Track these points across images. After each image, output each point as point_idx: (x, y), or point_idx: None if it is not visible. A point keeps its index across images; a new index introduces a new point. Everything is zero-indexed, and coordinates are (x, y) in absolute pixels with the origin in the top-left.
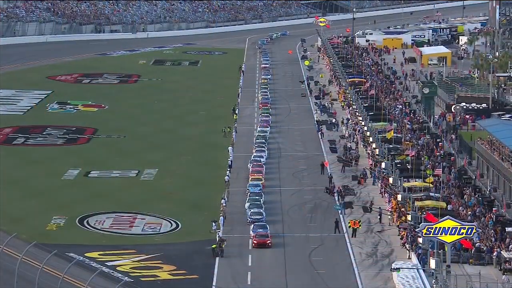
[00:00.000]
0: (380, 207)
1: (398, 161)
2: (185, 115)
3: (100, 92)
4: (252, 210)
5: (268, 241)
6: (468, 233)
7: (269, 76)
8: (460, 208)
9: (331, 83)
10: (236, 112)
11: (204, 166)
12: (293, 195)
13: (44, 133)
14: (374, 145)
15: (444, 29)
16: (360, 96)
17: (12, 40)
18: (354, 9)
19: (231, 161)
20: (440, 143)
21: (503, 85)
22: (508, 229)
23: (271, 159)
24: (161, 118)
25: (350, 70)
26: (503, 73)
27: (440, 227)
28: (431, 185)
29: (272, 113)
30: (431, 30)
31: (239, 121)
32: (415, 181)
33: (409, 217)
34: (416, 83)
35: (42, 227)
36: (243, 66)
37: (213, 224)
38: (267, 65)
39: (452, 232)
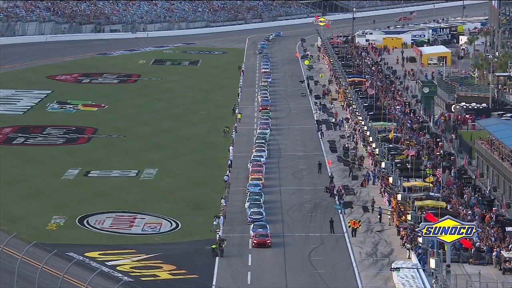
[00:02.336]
0: (380, 207)
1: (398, 160)
2: (185, 115)
3: (100, 91)
4: (252, 210)
5: (268, 241)
6: (468, 232)
7: (269, 79)
8: (460, 207)
9: (331, 83)
10: (239, 111)
11: (204, 166)
12: (293, 195)
13: (44, 132)
14: (374, 145)
15: (444, 29)
16: (360, 96)
17: (12, 40)
18: (354, 9)
19: (231, 160)
20: (440, 143)
21: (500, 85)
22: (508, 228)
23: (271, 159)
24: (161, 118)
25: (350, 70)
26: (503, 73)
27: (440, 227)
28: (431, 184)
29: (272, 112)
30: (431, 30)
31: (237, 120)
32: (415, 180)
33: (409, 217)
34: (416, 82)
35: (42, 227)
36: (242, 66)
37: (215, 219)
38: (267, 70)
39: (452, 232)
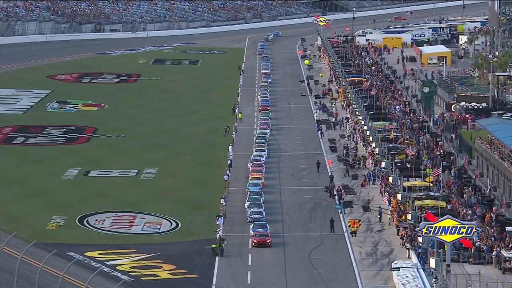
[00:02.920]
0: (380, 206)
1: (398, 160)
2: (185, 115)
3: (100, 91)
4: (252, 210)
5: (268, 241)
6: (468, 232)
7: (269, 80)
8: (460, 207)
9: (331, 82)
10: (239, 111)
11: (204, 166)
12: (293, 195)
13: (44, 132)
14: (374, 145)
15: (444, 28)
16: (360, 96)
17: (12, 40)
18: (354, 8)
19: (231, 160)
20: (440, 143)
21: (500, 85)
22: (508, 228)
23: (271, 159)
24: (161, 118)
25: (350, 70)
26: (503, 73)
27: (440, 227)
28: (431, 184)
29: (272, 112)
30: (431, 30)
31: (238, 120)
32: (415, 180)
33: (409, 217)
34: (415, 82)
35: (42, 227)
36: (242, 66)
37: (217, 218)
38: (267, 71)
39: (452, 232)
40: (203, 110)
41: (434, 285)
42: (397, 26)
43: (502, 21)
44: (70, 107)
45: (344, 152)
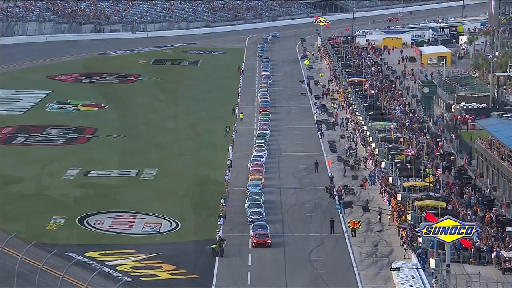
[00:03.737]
0: (380, 207)
1: (398, 160)
2: (185, 115)
3: (100, 91)
4: (252, 210)
5: (268, 241)
6: (468, 232)
7: (269, 81)
8: (460, 207)
9: (330, 83)
10: (240, 111)
11: (204, 166)
12: (293, 195)
13: (44, 132)
14: (374, 145)
15: (444, 29)
16: (360, 96)
17: (12, 40)
18: (354, 9)
19: (231, 160)
20: (440, 143)
21: (500, 86)
22: (508, 228)
23: (271, 159)
24: (161, 118)
25: (350, 70)
26: (503, 73)
27: (440, 227)
28: (431, 184)
29: (272, 112)
30: (431, 30)
31: (238, 120)
32: (415, 180)
33: (409, 217)
34: (415, 82)
35: (42, 227)
36: (242, 66)
37: (219, 219)
38: (268, 72)
39: (452, 232)
40: (203, 110)
41: (434, 285)
42: (397, 26)
43: (502, 21)
44: (70, 107)
45: (347, 153)
